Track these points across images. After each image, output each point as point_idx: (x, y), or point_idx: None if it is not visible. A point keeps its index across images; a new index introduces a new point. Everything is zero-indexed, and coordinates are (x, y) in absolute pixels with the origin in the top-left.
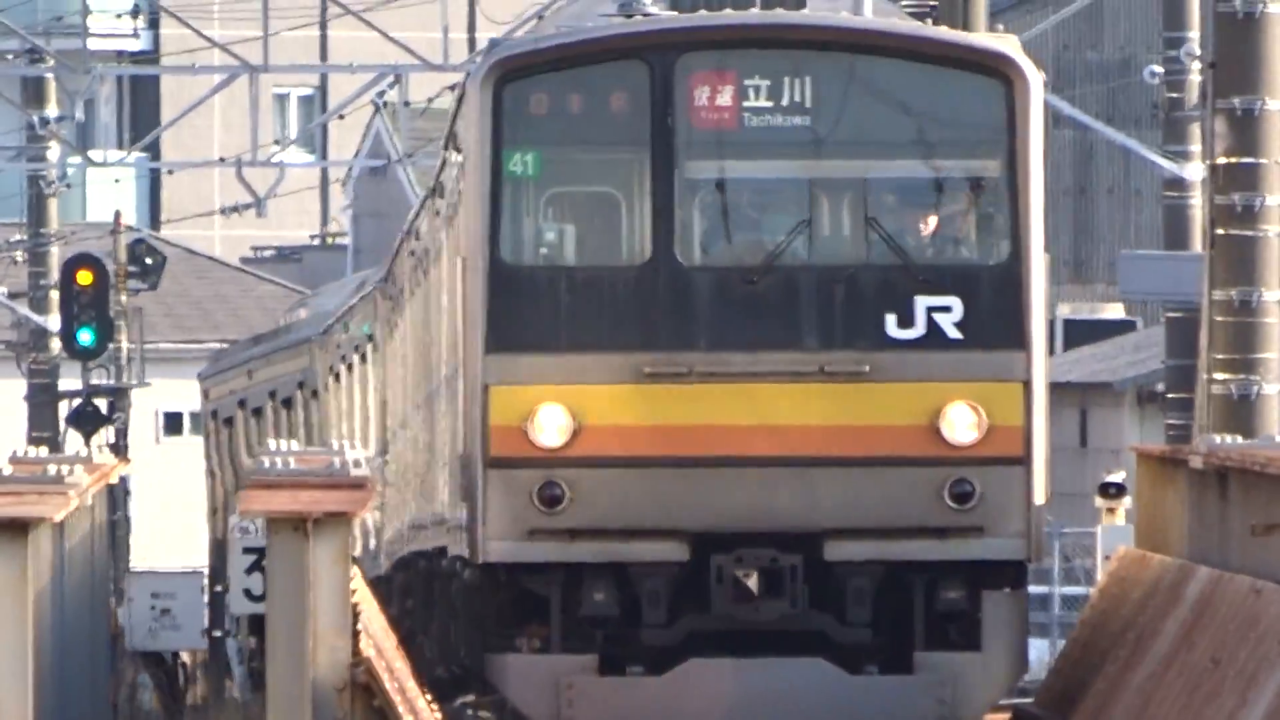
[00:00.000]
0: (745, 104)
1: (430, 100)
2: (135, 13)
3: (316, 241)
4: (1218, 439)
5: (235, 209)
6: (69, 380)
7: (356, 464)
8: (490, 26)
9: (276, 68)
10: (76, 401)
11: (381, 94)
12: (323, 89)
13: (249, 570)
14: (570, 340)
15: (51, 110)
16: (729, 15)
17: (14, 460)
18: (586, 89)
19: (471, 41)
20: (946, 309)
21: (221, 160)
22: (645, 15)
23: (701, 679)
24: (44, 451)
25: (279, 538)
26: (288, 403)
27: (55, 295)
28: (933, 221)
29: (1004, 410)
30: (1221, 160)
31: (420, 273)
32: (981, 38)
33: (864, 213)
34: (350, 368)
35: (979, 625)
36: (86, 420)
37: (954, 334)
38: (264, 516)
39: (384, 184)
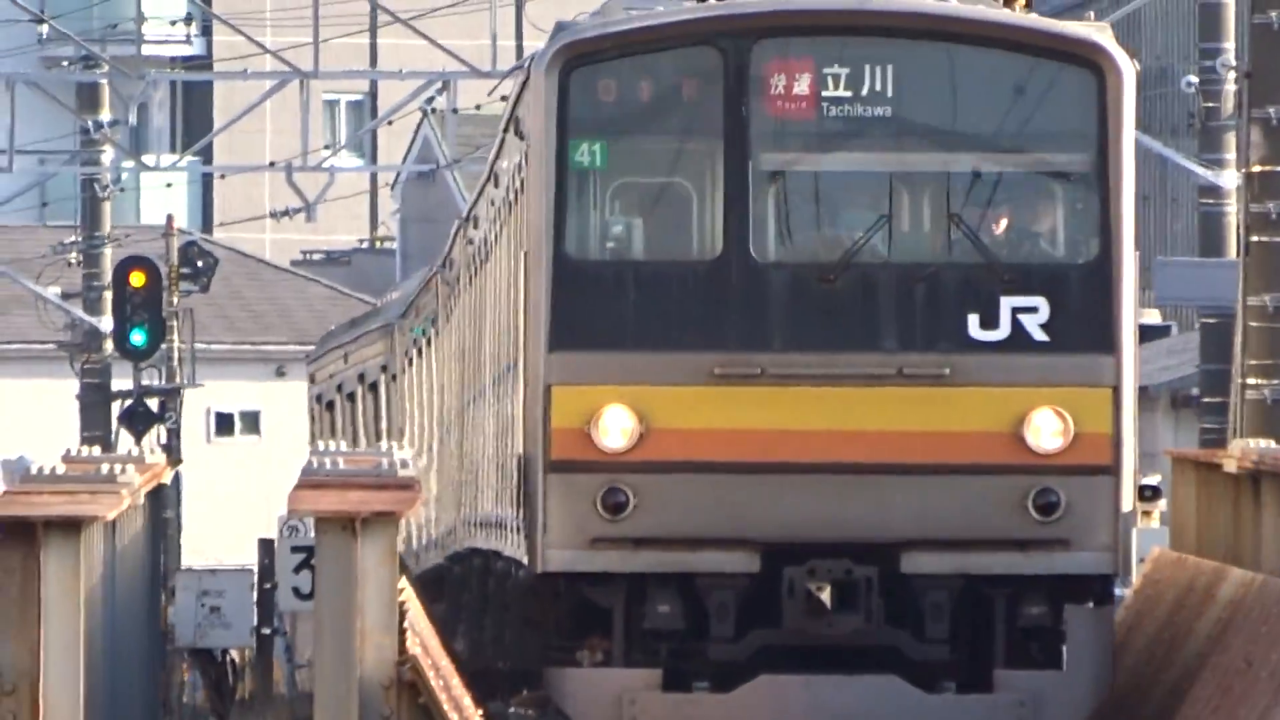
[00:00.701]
0: (823, 93)
1: (478, 106)
2: (189, 20)
3: (365, 245)
4: (1252, 443)
5: (286, 213)
6: (121, 380)
7: (404, 464)
8: (537, 35)
9: (327, 73)
10: (128, 402)
11: (430, 100)
12: (372, 95)
13: (297, 569)
14: (637, 339)
15: (105, 115)
16: (807, 0)
17: (67, 459)
18: (657, 75)
19: (519, 49)
20: (1032, 310)
21: (272, 165)
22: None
23: (770, 696)
24: (96, 451)
25: (327, 537)
26: (374, 387)
27: (108, 297)
28: (1018, 218)
29: (1092, 417)
30: (1256, 168)
31: (478, 260)
32: (1073, 26)
33: (946, 208)
34: (420, 352)
35: (1062, 642)
36: (138, 420)
37: (1040, 336)
38: (313, 515)
39: (432, 189)
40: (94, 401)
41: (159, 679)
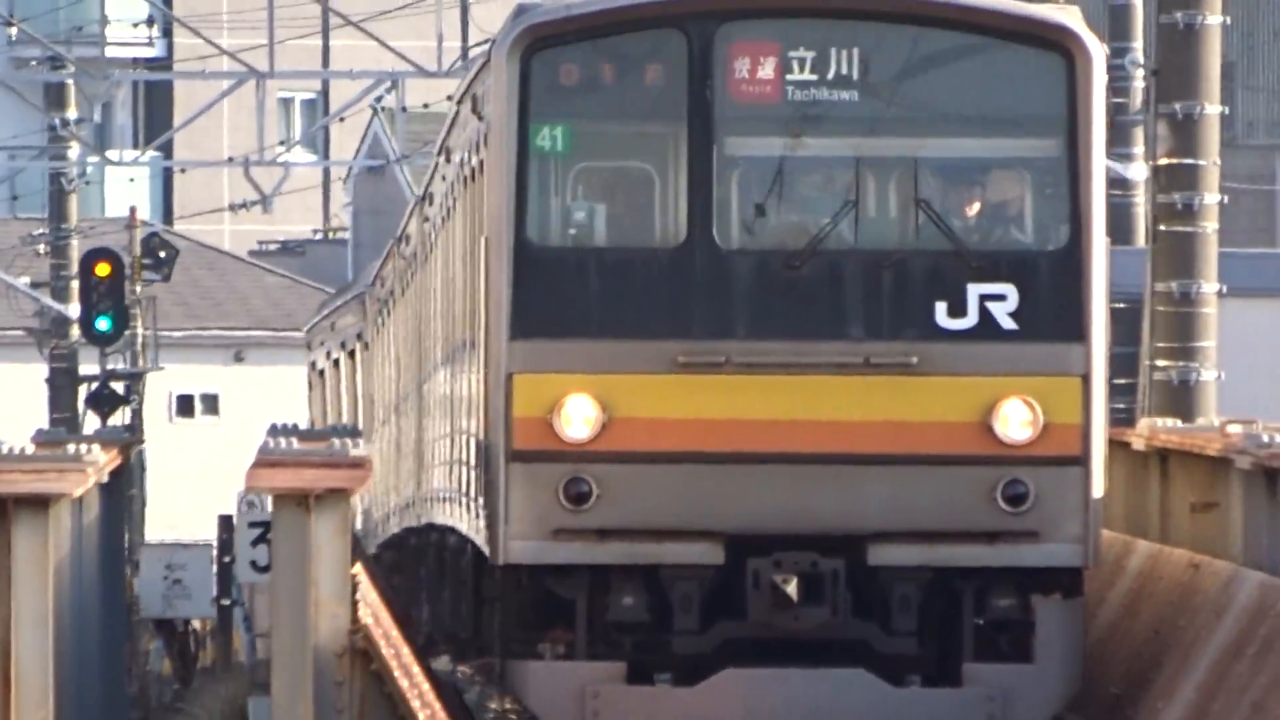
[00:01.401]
0: (789, 77)
1: (426, 105)
2: (150, 22)
3: (319, 236)
4: (1159, 422)
5: (243, 205)
6: (88, 365)
7: (355, 444)
8: (482, 35)
9: (282, 74)
10: (95, 385)
11: (379, 99)
12: (324, 94)
13: (254, 543)
14: (600, 326)
15: (71, 113)
16: None
17: (36, 440)
18: (620, 59)
19: (464, 50)
20: (1001, 298)
21: (230, 160)
22: None
23: (736, 690)
24: (64, 431)
25: (283, 512)
26: (352, 354)
27: (75, 285)
28: (987, 204)
29: (1061, 406)
30: (1163, 161)
31: (433, 234)
32: (1041, 9)
33: (914, 194)
34: (385, 321)
35: (1032, 635)
36: (104, 402)
37: (1009, 324)
38: (269, 492)
39: (382, 183)
40: (62, 385)
41: (124, 647)
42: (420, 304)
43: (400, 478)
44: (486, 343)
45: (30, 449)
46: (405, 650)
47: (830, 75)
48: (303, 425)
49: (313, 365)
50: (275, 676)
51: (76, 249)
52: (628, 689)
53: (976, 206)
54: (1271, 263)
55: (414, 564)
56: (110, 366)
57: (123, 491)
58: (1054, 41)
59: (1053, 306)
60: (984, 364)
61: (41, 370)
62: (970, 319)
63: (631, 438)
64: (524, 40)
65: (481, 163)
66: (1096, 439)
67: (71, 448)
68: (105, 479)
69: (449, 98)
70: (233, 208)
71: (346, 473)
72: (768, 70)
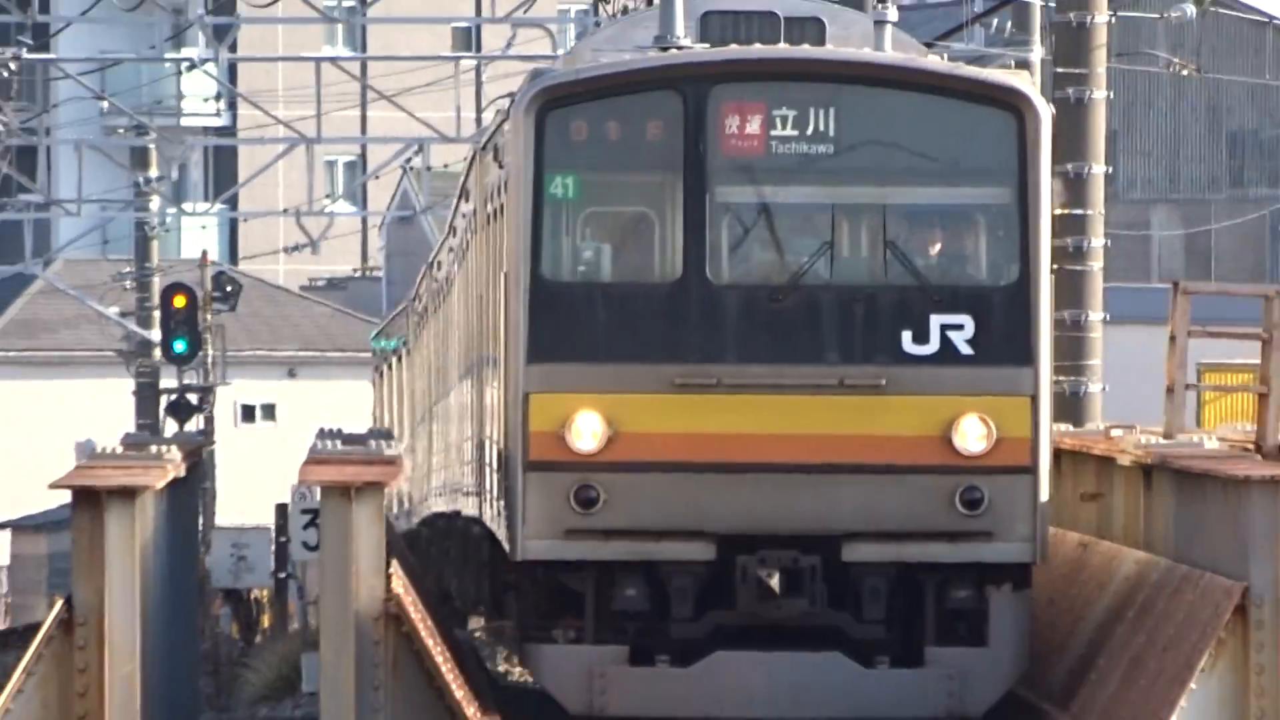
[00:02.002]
0: (773, 133)
1: (446, 165)
2: (219, 97)
3: (358, 274)
4: (1056, 426)
5: (295, 248)
6: (167, 380)
7: (389, 446)
8: (494, 108)
9: (327, 139)
10: (173, 396)
11: (408, 160)
12: (363, 156)
13: (305, 526)
14: (606, 351)
15: (153, 172)
16: (759, 50)
17: (124, 442)
18: (624, 116)
19: (478, 119)
20: (959, 327)
21: (285, 210)
22: (679, 48)
23: (726, 670)
24: (147, 435)
25: (329, 501)
26: (399, 360)
27: (156, 314)
28: (947, 245)
29: (1012, 422)
30: (1058, 211)
31: (458, 260)
32: (995, 74)
33: (883, 236)
34: (421, 332)
35: (986, 622)
36: (180, 411)
37: (966, 350)
38: (318, 484)
39: (410, 230)
40: (145, 397)
41: (197, 613)
42: (448, 319)
43: (433, 468)
44: (506, 365)
45: (119, 450)
46: (429, 618)
47: (810, 131)
48: (366, 420)
49: (375, 369)
50: (323, 637)
51: (157, 284)
52: (630, 670)
53: (938, 247)
54: (1146, 295)
55: (443, 541)
56: (186, 381)
57: (196, 484)
58: (1007, 102)
59: (1005, 334)
60: (944, 385)
61: (128, 385)
62: (932, 345)
63: (634, 450)
64: (539, 100)
65: (502, 206)
66: (1043, 450)
67: (154, 449)
68: (182, 474)
69: (464, 159)
70: (286, 250)
71: (381, 469)
72: (754, 127)
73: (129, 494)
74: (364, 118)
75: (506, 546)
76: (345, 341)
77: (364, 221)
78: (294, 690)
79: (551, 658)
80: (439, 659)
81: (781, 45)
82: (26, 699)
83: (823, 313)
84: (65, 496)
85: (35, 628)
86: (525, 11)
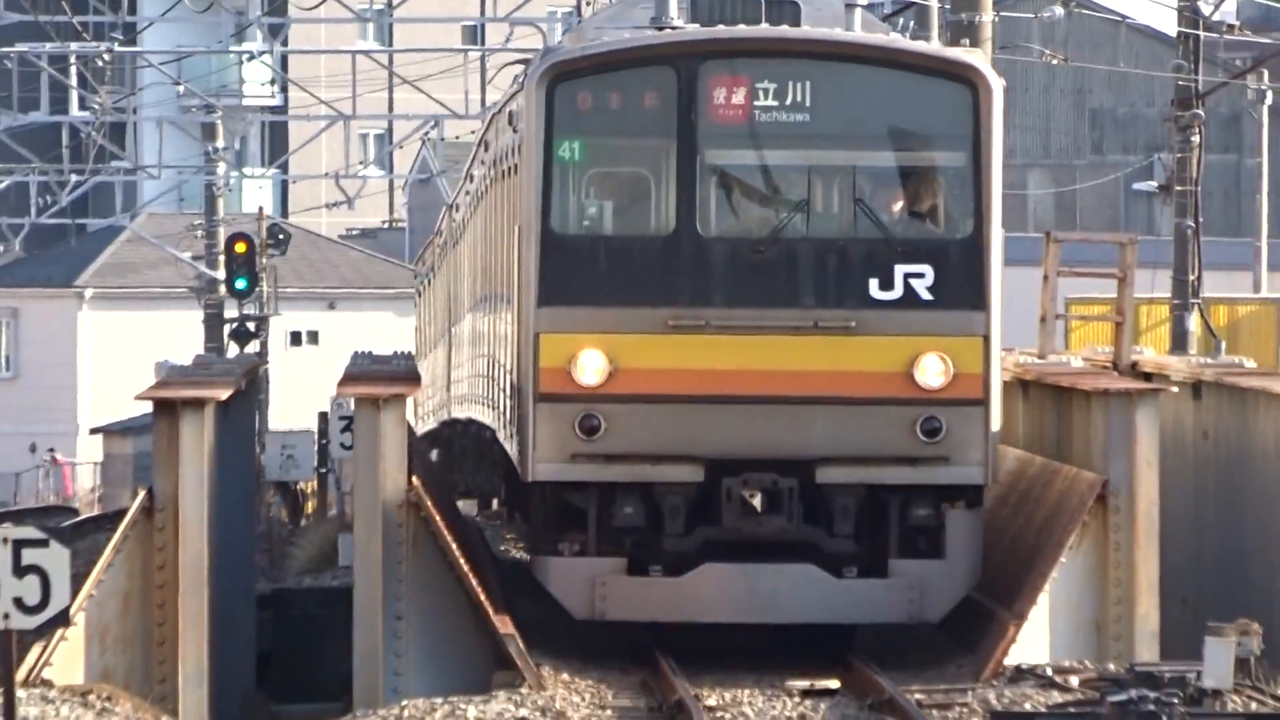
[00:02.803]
0: (756, 103)
1: (457, 136)
2: (273, 82)
3: (386, 225)
4: None
5: (335, 204)
6: (230, 311)
7: (411, 365)
8: (497, 90)
9: (361, 116)
10: (234, 324)
11: (427, 133)
12: (390, 129)
13: (342, 430)
14: (607, 296)
15: (220, 142)
16: (743, 30)
17: (195, 361)
18: (624, 88)
19: (482, 100)
20: (920, 275)
21: (326, 174)
22: (673, 28)
23: (713, 580)
24: (215, 356)
25: (362, 410)
26: (429, 283)
27: (222, 258)
28: (909, 202)
29: (967, 360)
30: None
31: (476, 201)
32: (952, 50)
33: (852, 194)
34: (442, 263)
35: (942, 537)
36: (241, 337)
37: (926, 296)
38: (353, 397)
39: (428, 189)
40: (213, 325)
41: (254, 500)
42: (463, 253)
43: (453, 380)
44: (519, 308)
45: (192, 368)
46: (443, 505)
47: (788, 101)
48: (395, 343)
49: (416, 290)
50: (356, 520)
51: (222, 234)
52: (628, 579)
53: (901, 204)
54: (1024, 243)
55: (461, 441)
56: (245, 312)
57: (253, 396)
58: (962, 76)
59: (961, 282)
60: (907, 327)
61: (199, 315)
62: (897, 292)
63: (632, 384)
64: (550, 74)
65: (516, 166)
66: (994, 385)
67: (218, 367)
68: (242, 388)
69: (471, 131)
70: (328, 206)
71: (404, 385)
72: (739, 98)
73: (199, 404)
74: (390, 99)
75: (518, 468)
76: (375, 280)
77: (390, 183)
78: (332, 564)
79: (558, 568)
80: (450, 539)
81: (763, 25)
82: (115, 571)
83: (799, 262)
84: (148, 406)
85: (122, 513)
86: (520, 11)
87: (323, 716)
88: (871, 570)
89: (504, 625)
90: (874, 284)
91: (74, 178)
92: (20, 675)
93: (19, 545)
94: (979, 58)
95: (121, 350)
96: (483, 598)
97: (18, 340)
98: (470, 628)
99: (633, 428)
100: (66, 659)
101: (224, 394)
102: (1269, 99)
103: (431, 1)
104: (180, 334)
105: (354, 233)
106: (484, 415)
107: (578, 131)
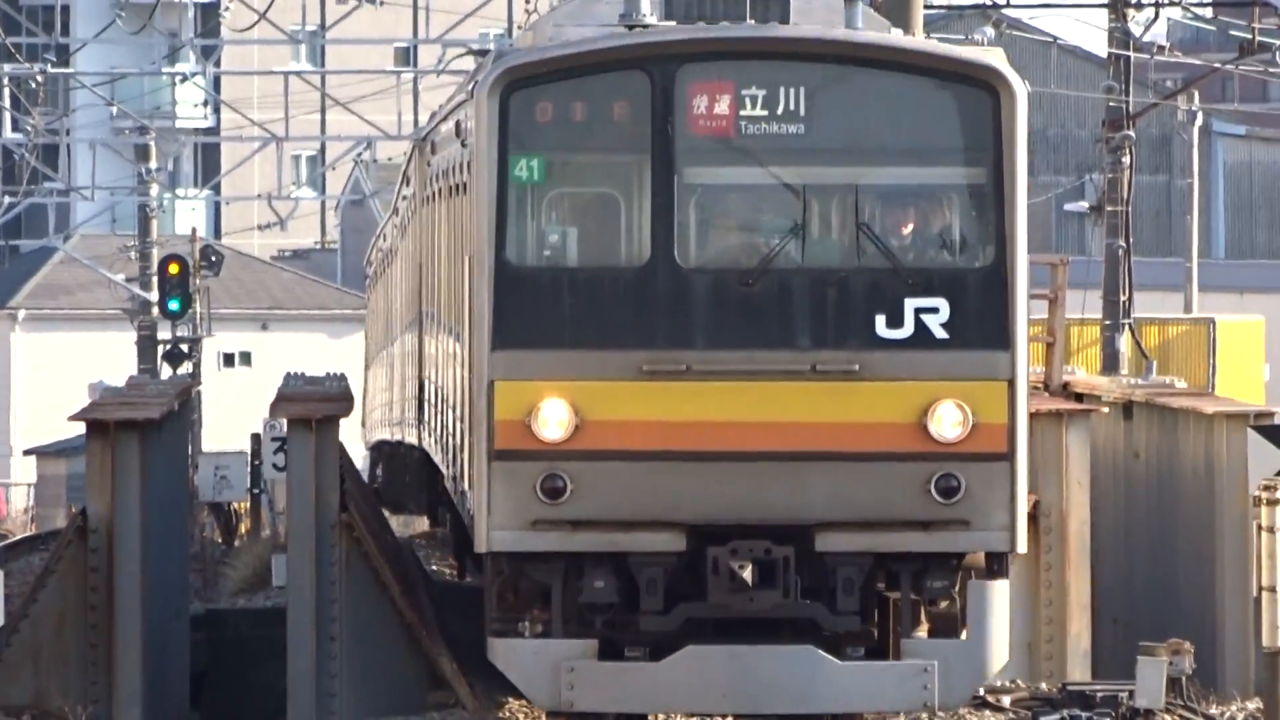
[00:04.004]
0: (742, 112)
1: (390, 158)
2: (206, 104)
3: (318, 247)
4: None
5: (268, 226)
6: (163, 333)
7: (343, 385)
8: (426, 110)
9: (293, 138)
10: (167, 346)
11: (359, 154)
12: (322, 151)
13: (275, 451)
14: (573, 338)
15: (153, 163)
16: (727, 28)
17: (128, 383)
18: (590, 97)
19: (415, 121)
20: (934, 310)
21: (259, 196)
22: (645, 26)
23: (697, 665)
24: (148, 378)
25: (295, 431)
26: (374, 283)
27: (155, 280)
28: (921, 226)
29: (989, 408)
30: None
31: (415, 209)
32: (969, 50)
33: (855, 218)
34: (384, 271)
35: (963, 613)
36: (174, 358)
37: (941, 334)
38: (286, 417)
39: (361, 211)
40: (146, 346)
41: (187, 520)
42: (401, 265)
43: (392, 400)
44: (470, 351)
45: (124, 389)
46: (376, 526)
47: (779, 111)
48: (325, 364)
49: (367, 283)
50: (290, 541)
51: (156, 255)
52: (599, 665)
53: (911, 228)
54: None
55: (397, 460)
56: (178, 334)
57: (186, 417)
58: (981, 80)
59: (981, 318)
60: (919, 370)
61: (132, 336)
62: (907, 329)
63: (602, 438)
64: (503, 81)
65: (463, 184)
66: (1020, 437)
67: (152, 388)
68: (175, 408)
69: (403, 154)
70: (260, 227)
71: (337, 405)
72: (723, 107)
73: (132, 425)
74: (323, 120)
75: (472, 536)
76: (308, 301)
77: (322, 204)
78: (265, 584)
79: (519, 652)
80: (383, 560)
81: (750, 23)
82: (49, 591)
83: (794, 296)
84: (81, 427)
85: (55, 534)
86: (452, 33)
87: None
88: (880, 651)
89: (437, 646)
90: (880, 321)
91: (7, 199)
92: None
93: None
94: (999, 58)
95: (55, 371)
96: (415, 619)
97: None
98: (404, 648)
99: (603, 489)
100: (1, 679)
101: (157, 415)
102: (1199, 120)
103: (364, 23)
104: (114, 355)
105: (286, 254)
106: (411, 435)
107: (536, 147)
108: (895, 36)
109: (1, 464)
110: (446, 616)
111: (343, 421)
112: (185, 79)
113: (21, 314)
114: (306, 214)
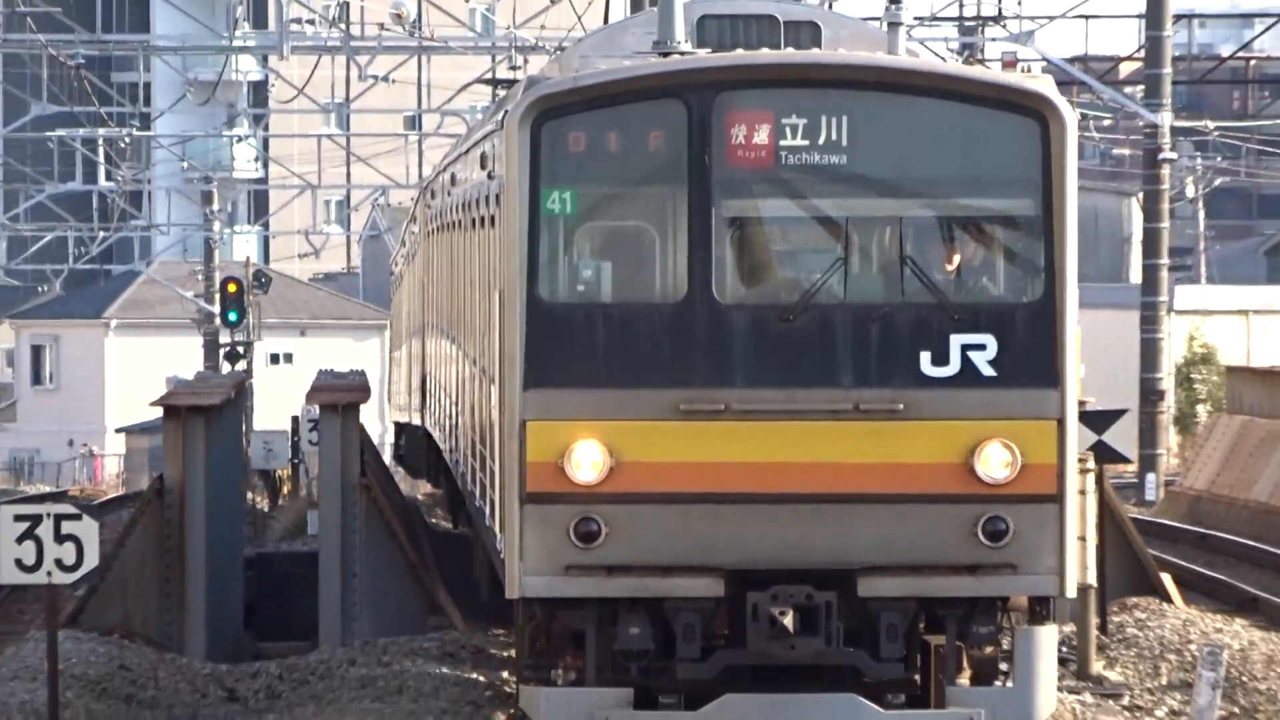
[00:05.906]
0: (781, 142)
1: (400, 202)
2: (257, 159)
3: (345, 271)
4: None
5: (306, 255)
6: (223, 337)
7: (363, 379)
8: (430, 164)
9: (325, 186)
10: (226, 348)
11: (377, 199)
12: (348, 196)
13: (310, 430)
14: (607, 376)
15: (215, 206)
16: (766, 54)
17: (196, 376)
18: (624, 127)
19: (420, 172)
20: (981, 347)
21: (298, 231)
22: (681, 53)
23: (736, 713)
24: (211, 372)
25: (325, 414)
26: (400, 283)
27: (217, 296)
28: (967, 259)
29: (1038, 448)
30: None
31: (445, 215)
32: (1016, 77)
33: (900, 251)
34: (405, 276)
35: (1011, 659)
36: (232, 357)
37: (988, 372)
38: (318, 404)
39: (378, 244)
40: (210, 348)
41: (242, 483)
42: (423, 275)
43: (404, 385)
44: (502, 391)
45: (193, 381)
46: (396, 493)
47: (821, 140)
48: (352, 363)
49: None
50: (321, 499)
51: (218, 277)
52: (634, 714)
53: (957, 262)
54: None
55: (409, 435)
56: (235, 338)
57: (241, 403)
58: (1029, 108)
59: (1030, 355)
60: (966, 409)
61: (198, 340)
62: (953, 367)
63: (637, 480)
64: (534, 110)
65: (493, 217)
66: (1070, 478)
67: (214, 380)
68: (232, 396)
69: (413, 199)
70: (300, 256)
71: (357, 394)
72: (762, 136)
73: (199, 410)
74: (349, 172)
75: (504, 581)
76: (336, 314)
77: (348, 238)
78: (303, 533)
79: (551, 701)
80: (393, 515)
81: (790, 50)
82: (134, 538)
83: (836, 333)
84: (159, 411)
85: (139, 494)
86: (449, 105)
87: (297, 650)
88: (924, 700)
89: (434, 581)
90: (926, 358)
91: (101, 233)
92: (60, 620)
93: (59, 519)
94: (1048, 85)
95: (139, 367)
96: (418, 560)
97: (59, 360)
98: (409, 582)
99: (638, 533)
100: (96, 607)
101: (218, 401)
102: None
103: (380, 97)
104: (184, 355)
105: (320, 277)
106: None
107: (569, 179)
108: (940, 63)
109: (99, 439)
110: (442, 558)
111: (362, 406)
112: (241, 140)
113: (113, 323)
114: (335, 246)
